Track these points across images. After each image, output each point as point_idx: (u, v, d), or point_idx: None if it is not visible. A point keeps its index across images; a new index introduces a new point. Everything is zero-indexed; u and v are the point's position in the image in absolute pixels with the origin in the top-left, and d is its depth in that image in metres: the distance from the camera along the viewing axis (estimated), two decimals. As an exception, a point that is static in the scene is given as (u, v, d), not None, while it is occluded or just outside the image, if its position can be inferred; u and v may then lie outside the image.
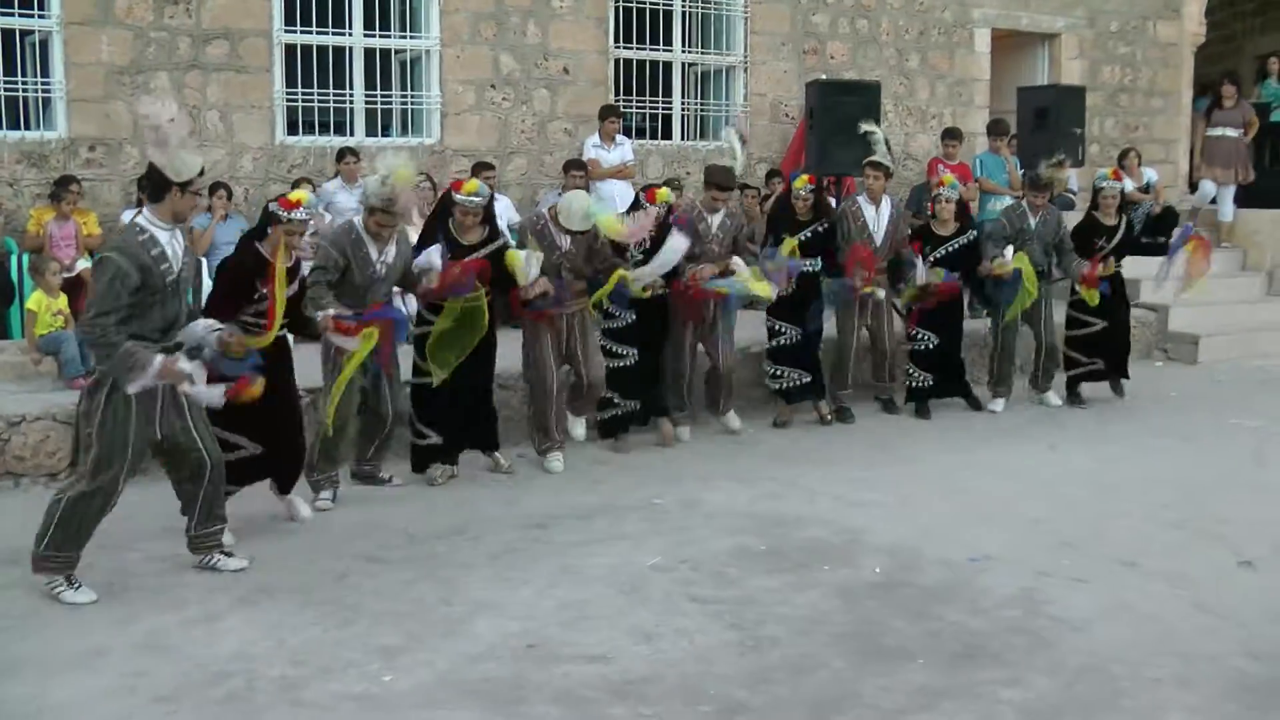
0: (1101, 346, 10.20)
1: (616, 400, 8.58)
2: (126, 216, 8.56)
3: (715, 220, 8.83)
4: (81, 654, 5.16)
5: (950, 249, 9.62)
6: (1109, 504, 7.45)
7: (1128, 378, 10.40)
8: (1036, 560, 6.34)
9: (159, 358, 5.47)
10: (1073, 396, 10.37)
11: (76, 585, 5.74)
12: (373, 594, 5.85)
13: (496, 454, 8.07)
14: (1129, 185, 13.53)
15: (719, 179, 8.84)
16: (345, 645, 5.24)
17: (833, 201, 10.43)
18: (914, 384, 9.89)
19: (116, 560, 6.14)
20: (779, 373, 9.35)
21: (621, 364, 8.52)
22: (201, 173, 5.69)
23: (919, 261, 9.47)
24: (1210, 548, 6.63)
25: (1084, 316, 10.14)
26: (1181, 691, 4.86)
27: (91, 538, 5.79)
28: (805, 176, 9.39)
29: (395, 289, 7.57)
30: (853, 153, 10.28)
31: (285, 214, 6.49)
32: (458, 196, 7.59)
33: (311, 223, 6.85)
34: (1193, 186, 16.07)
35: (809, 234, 9.15)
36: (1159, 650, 5.23)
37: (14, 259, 9.69)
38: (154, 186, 5.62)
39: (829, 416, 9.53)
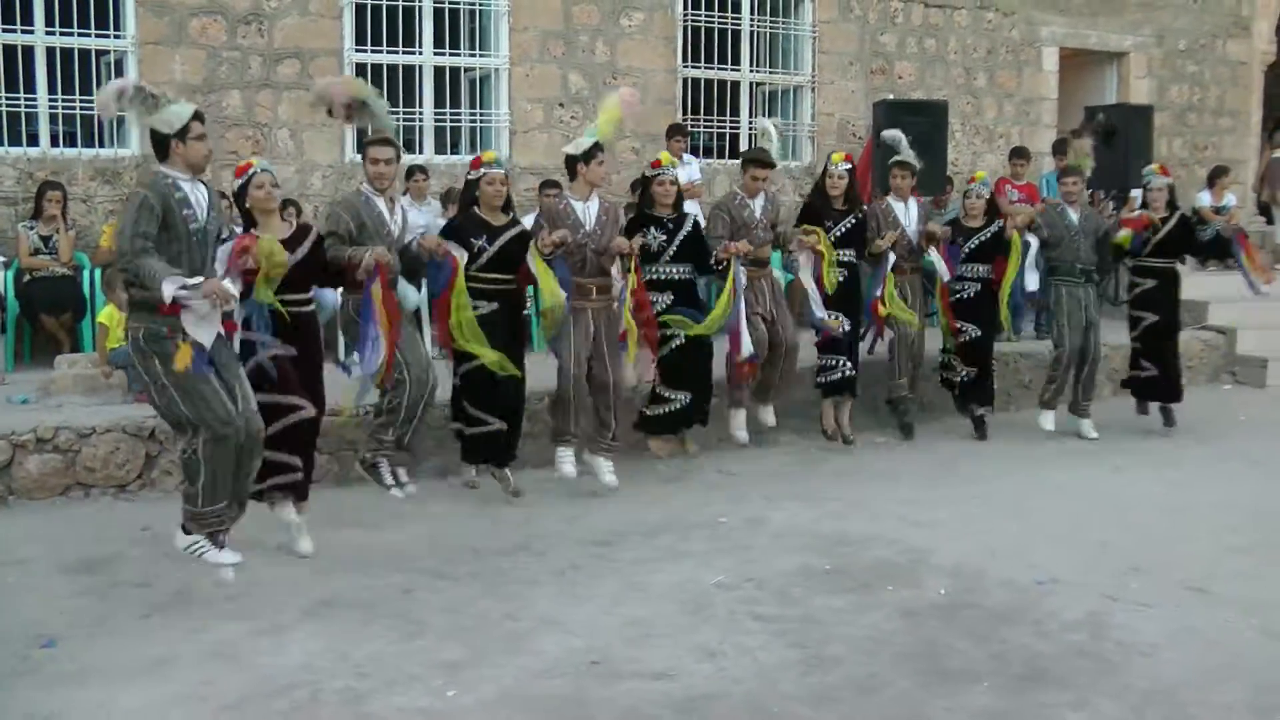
0: (1158, 347, 9.95)
1: (666, 394, 8.29)
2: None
3: (757, 205, 8.72)
4: (150, 662, 5.22)
5: (981, 239, 9.61)
6: (1176, 528, 7.36)
7: (1178, 399, 10.08)
8: (1103, 583, 6.27)
9: (199, 279, 5.50)
10: (1140, 403, 10.22)
11: (221, 544, 5.85)
12: (437, 609, 5.88)
13: (507, 472, 7.84)
14: (1206, 201, 13.38)
15: (757, 155, 8.77)
16: (410, 659, 5.27)
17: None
18: (958, 378, 9.73)
19: (184, 571, 6.19)
20: (832, 363, 9.16)
21: (673, 345, 8.20)
22: (198, 115, 5.74)
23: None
24: (1281, 574, 6.52)
25: (1140, 313, 9.96)
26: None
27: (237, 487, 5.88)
28: (842, 154, 9.30)
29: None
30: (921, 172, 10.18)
31: (251, 173, 6.48)
32: (479, 171, 7.52)
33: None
34: (1262, 208, 15.86)
35: (847, 225, 9.05)
36: (1228, 677, 5.15)
37: (85, 274, 9.86)
38: (157, 148, 5.75)
39: (850, 435, 9.29)
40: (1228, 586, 6.26)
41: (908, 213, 9.49)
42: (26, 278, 9.69)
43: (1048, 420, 9.94)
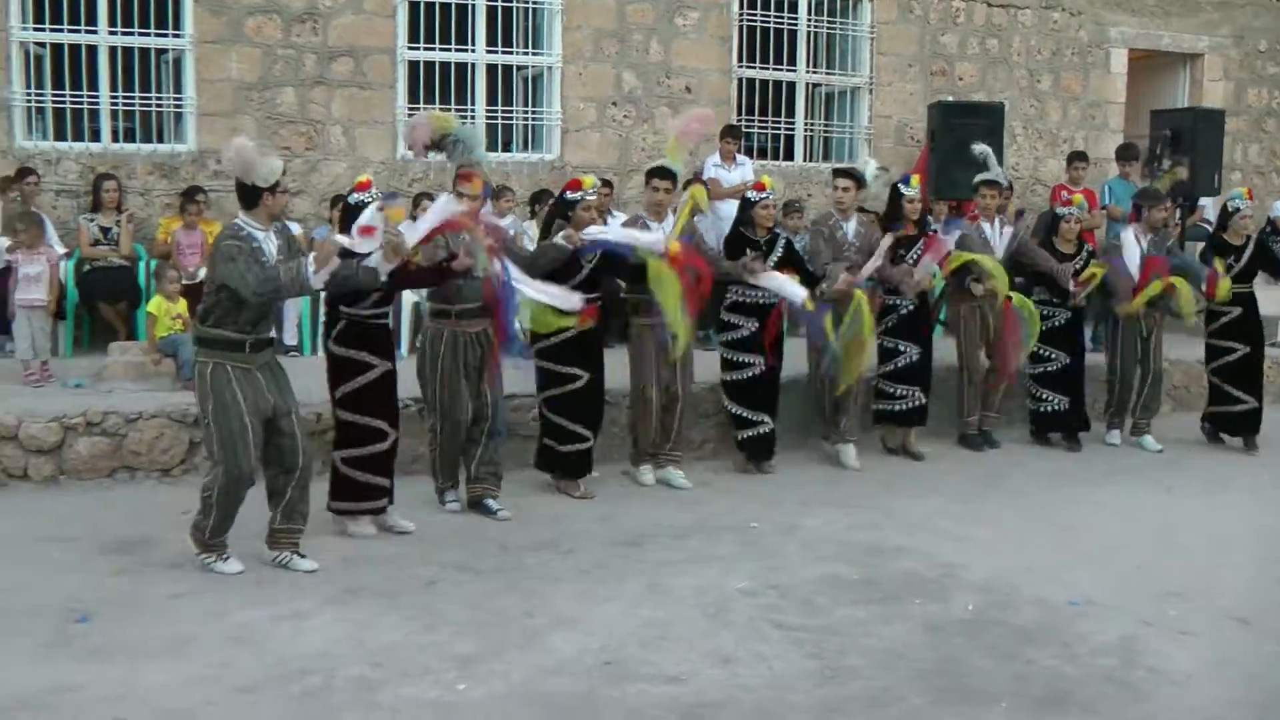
0: (1247, 378, 9.74)
1: (749, 416, 8.47)
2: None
3: (850, 227, 8.75)
4: (172, 641, 5.35)
5: (1076, 269, 9.43)
6: (1224, 554, 7.07)
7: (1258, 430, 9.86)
8: (1140, 608, 6.06)
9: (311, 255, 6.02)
10: (1214, 435, 10.00)
11: (226, 557, 6.24)
12: (458, 602, 5.90)
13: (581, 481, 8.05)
14: None
15: (843, 168, 8.84)
16: (425, 651, 5.29)
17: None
18: (1044, 409, 9.63)
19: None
20: (900, 392, 9.03)
21: (748, 374, 8.44)
22: (284, 173, 6.13)
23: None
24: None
25: (1224, 343, 9.77)
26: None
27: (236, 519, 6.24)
28: (915, 176, 9.14)
29: None
30: (973, 176, 9.93)
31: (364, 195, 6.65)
32: (577, 195, 7.61)
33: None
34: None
35: (919, 251, 8.92)
36: (1264, 715, 4.97)
37: (141, 265, 10.03)
38: (247, 195, 6.07)
39: (919, 452, 9.18)
40: (1272, 619, 6.00)
41: (994, 234, 9.29)
42: (86, 267, 9.89)
43: (1114, 437, 9.83)
